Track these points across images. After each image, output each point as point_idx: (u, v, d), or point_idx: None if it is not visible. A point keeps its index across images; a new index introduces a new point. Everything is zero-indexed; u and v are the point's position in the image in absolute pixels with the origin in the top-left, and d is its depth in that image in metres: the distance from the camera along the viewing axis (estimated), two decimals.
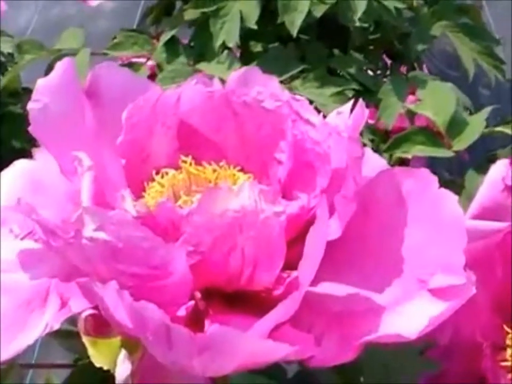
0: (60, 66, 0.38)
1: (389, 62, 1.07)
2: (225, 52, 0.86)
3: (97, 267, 0.30)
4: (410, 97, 0.94)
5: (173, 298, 0.30)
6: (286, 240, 0.32)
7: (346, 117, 0.36)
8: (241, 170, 0.37)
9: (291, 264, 0.32)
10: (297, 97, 0.37)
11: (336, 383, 0.40)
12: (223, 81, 0.40)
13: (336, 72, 0.90)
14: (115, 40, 0.93)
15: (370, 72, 0.99)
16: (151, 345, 0.29)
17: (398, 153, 0.69)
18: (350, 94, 0.87)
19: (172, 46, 0.90)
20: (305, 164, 0.36)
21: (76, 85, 0.38)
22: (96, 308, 0.32)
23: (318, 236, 0.30)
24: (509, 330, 0.44)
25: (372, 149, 0.63)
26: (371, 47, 1.00)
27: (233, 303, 0.33)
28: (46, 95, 0.37)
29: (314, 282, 0.33)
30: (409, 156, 0.77)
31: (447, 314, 0.30)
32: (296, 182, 0.37)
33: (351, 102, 0.37)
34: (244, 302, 0.33)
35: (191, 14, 0.90)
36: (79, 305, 0.31)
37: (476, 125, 0.69)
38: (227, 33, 0.84)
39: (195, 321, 0.31)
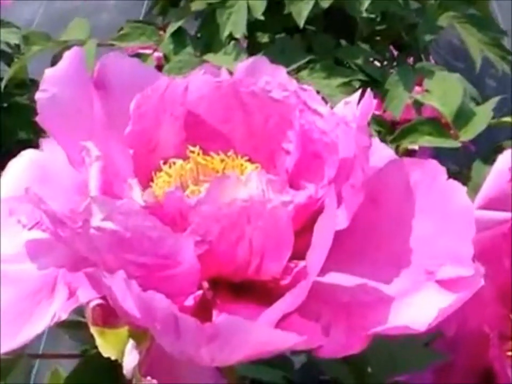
0: (67, 56, 0.38)
1: (396, 53, 1.07)
2: (232, 42, 0.86)
3: (105, 257, 0.30)
4: (417, 89, 0.93)
5: (181, 288, 0.30)
6: (294, 230, 0.32)
7: (354, 107, 0.36)
8: (249, 160, 0.37)
9: (299, 254, 0.32)
10: (305, 87, 0.36)
11: (343, 374, 0.40)
12: (230, 72, 0.40)
13: (343, 63, 0.90)
14: (122, 31, 0.93)
15: (377, 63, 0.99)
16: (159, 335, 0.29)
17: (405, 144, 0.69)
18: (357, 84, 0.86)
19: (179, 37, 0.90)
20: (313, 154, 0.36)
21: (83, 74, 0.38)
22: (104, 298, 0.32)
23: (326, 225, 0.30)
24: None
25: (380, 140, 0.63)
26: (378, 38, 1.00)
27: (240, 293, 0.33)
28: (54, 84, 0.37)
29: (322, 272, 0.32)
30: (416, 147, 0.77)
31: (455, 306, 0.30)
32: (303, 172, 0.37)
33: (359, 92, 0.37)
34: (251, 292, 0.33)
35: (198, 5, 0.89)
36: (87, 295, 0.31)
37: (483, 115, 0.69)
38: (234, 24, 0.84)
39: (203, 311, 0.31)
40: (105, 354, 0.32)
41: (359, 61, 0.88)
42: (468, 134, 0.69)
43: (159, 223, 0.29)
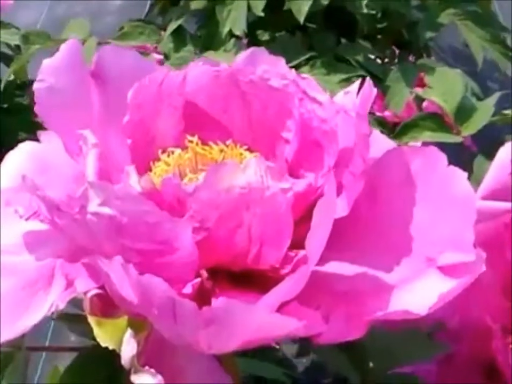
0: (65, 47, 0.38)
1: (397, 52, 1.07)
2: (232, 40, 0.86)
3: (102, 243, 0.29)
4: (418, 89, 0.93)
5: (179, 275, 0.30)
6: (294, 219, 0.31)
7: (354, 96, 0.36)
8: (248, 149, 0.37)
9: (299, 243, 0.31)
10: (304, 75, 0.36)
11: (343, 365, 0.39)
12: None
13: (344, 60, 0.90)
14: (122, 31, 0.93)
15: (378, 61, 0.99)
16: (157, 319, 0.28)
17: (406, 139, 0.69)
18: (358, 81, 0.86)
19: (179, 35, 0.89)
20: (313, 143, 0.36)
21: (81, 65, 0.38)
22: (102, 288, 0.31)
23: (325, 209, 0.29)
24: None
25: None
26: (379, 36, 1.00)
27: (240, 283, 0.33)
28: (51, 75, 0.37)
29: (322, 261, 0.32)
30: (418, 144, 0.76)
31: (457, 292, 0.30)
32: (303, 161, 0.36)
33: (358, 81, 0.36)
34: (251, 281, 0.33)
35: (197, 3, 0.89)
36: (85, 285, 0.31)
37: (485, 110, 0.68)
38: (233, 21, 0.84)
39: (202, 301, 0.31)
40: (103, 344, 0.32)
41: (360, 58, 0.87)
42: (469, 129, 0.69)
43: (156, 208, 0.28)
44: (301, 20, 0.82)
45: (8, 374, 0.39)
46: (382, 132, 0.92)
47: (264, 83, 0.36)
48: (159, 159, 0.36)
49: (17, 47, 1.00)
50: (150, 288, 0.27)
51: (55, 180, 0.36)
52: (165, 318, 0.27)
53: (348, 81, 0.81)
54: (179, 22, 0.89)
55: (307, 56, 0.85)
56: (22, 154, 0.39)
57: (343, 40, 0.94)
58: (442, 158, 0.33)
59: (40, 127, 0.38)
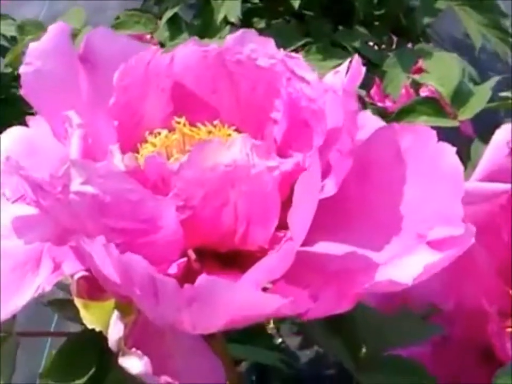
0: (52, 29, 0.38)
1: (395, 39, 1.06)
2: (227, 27, 0.85)
3: (85, 223, 0.29)
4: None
5: (164, 254, 0.29)
6: (282, 200, 0.31)
7: (343, 75, 0.35)
8: (237, 130, 0.36)
9: (288, 224, 0.31)
10: (292, 54, 0.36)
11: (336, 347, 0.39)
12: None
13: (340, 46, 0.89)
14: (118, 20, 0.93)
15: (376, 48, 0.98)
16: (139, 299, 0.28)
17: (403, 123, 0.68)
18: None
19: (174, 23, 0.89)
20: (301, 123, 0.35)
21: (69, 48, 0.38)
22: (88, 270, 0.31)
23: (307, 183, 0.29)
24: None
25: None
26: (376, 23, 0.99)
27: (228, 264, 0.33)
28: (38, 58, 0.37)
29: (312, 241, 0.32)
30: None
31: (444, 264, 0.30)
32: (292, 142, 0.36)
33: (347, 61, 0.36)
34: (240, 263, 0.32)
35: None
36: (72, 268, 0.31)
37: (482, 94, 0.68)
38: (228, 7, 0.83)
39: (190, 283, 0.31)
40: (89, 326, 0.32)
41: (357, 44, 0.87)
42: (466, 113, 0.68)
43: (139, 186, 0.28)
44: (296, 5, 0.81)
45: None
46: None
47: (251, 63, 0.36)
48: (146, 141, 0.36)
49: (13, 38, 1.00)
50: (130, 266, 0.26)
51: (43, 163, 0.36)
52: (147, 297, 0.27)
53: None
54: (174, 10, 0.89)
55: (302, 42, 0.84)
56: (11, 138, 0.39)
57: (341, 27, 0.93)
58: (433, 134, 0.33)
59: None
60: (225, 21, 0.85)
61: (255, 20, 0.92)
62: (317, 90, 0.34)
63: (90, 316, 0.32)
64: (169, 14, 0.89)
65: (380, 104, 1.00)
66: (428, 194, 0.31)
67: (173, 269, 0.29)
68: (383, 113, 0.94)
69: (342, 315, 0.30)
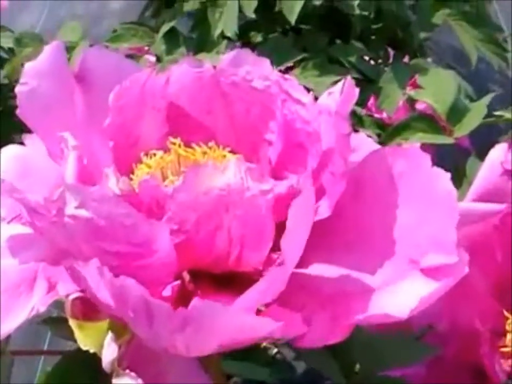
0: (48, 49, 0.38)
1: (391, 53, 1.06)
2: (224, 42, 0.85)
3: (80, 246, 0.29)
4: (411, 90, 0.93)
5: (158, 277, 0.29)
6: (276, 222, 0.31)
7: (337, 96, 0.35)
8: (231, 152, 0.37)
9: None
10: (287, 76, 0.36)
11: (330, 368, 0.39)
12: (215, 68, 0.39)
13: (337, 61, 0.89)
14: (115, 33, 0.93)
15: (372, 62, 0.98)
16: (133, 322, 0.28)
17: (399, 140, 0.68)
18: None
19: (172, 37, 0.89)
20: (296, 145, 0.35)
21: (64, 68, 0.38)
22: (83, 291, 0.31)
23: (300, 208, 0.29)
24: (508, 315, 0.44)
25: (379, 142, 0.63)
26: (373, 37, 0.99)
27: (223, 286, 0.33)
28: (34, 77, 0.37)
29: (306, 263, 0.32)
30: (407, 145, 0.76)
31: (439, 294, 0.30)
32: (287, 164, 0.36)
33: (341, 82, 0.36)
34: (235, 285, 0.32)
35: (190, 5, 0.89)
36: (67, 289, 0.31)
37: (478, 111, 0.68)
38: (225, 22, 0.83)
39: (184, 304, 0.31)
40: (83, 348, 0.32)
41: (353, 59, 0.87)
42: (462, 130, 0.68)
43: (133, 210, 0.28)
44: (292, 20, 0.82)
45: None
46: (379, 134, 0.93)
47: (246, 84, 0.36)
48: (141, 162, 0.36)
49: (10, 49, 1.00)
50: (124, 290, 0.26)
51: (38, 183, 0.36)
52: (141, 320, 0.27)
53: None
54: (171, 23, 0.89)
55: (299, 57, 0.85)
56: (6, 158, 0.39)
57: (337, 41, 0.94)
58: (426, 158, 0.33)
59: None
60: (222, 36, 0.85)
61: (252, 33, 0.93)
62: (311, 112, 0.35)
63: (84, 337, 0.32)
64: (166, 27, 0.89)
65: (376, 115, 1.00)
66: (422, 220, 0.31)
67: (167, 291, 0.29)
68: (380, 125, 0.94)
69: None
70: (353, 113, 0.78)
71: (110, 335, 0.31)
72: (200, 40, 0.87)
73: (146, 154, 0.36)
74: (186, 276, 0.32)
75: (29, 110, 0.36)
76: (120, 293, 0.27)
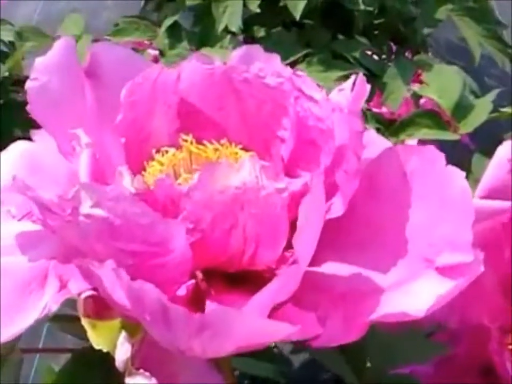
0: (58, 45, 0.38)
1: (394, 48, 1.06)
2: (228, 36, 0.85)
3: (95, 246, 0.29)
4: (415, 86, 0.92)
5: (173, 277, 0.29)
6: (290, 219, 0.31)
7: (348, 93, 0.35)
8: (243, 149, 0.36)
9: None
10: (299, 73, 0.36)
11: (340, 366, 0.39)
12: (224, 64, 0.39)
13: (341, 57, 0.89)
14: (117, 27, 0.92)
15: (375, 57, 0.98)
16: (150, 325, 0.28)
17: (403, 137, 0.68)
18: None
19: (174, 31, 0.89)
20: (309, 142, 0.35)
21: (75, 63, 0.38)
22: (96, 289, 0.31)
23: (311, 206, 0.29)
24: None
25: None
26: (376, 32, 0.99)
27: (236, 284, 0.32)
28: (44, 73, 0.36)
29: (319, 262, 0.32)
30: (414, 142, 0.76)
31: (454, 293, 0.30)
32: (300, 161, 0.36)
33: (352, 78, 0.36)
34: (248, 283, 0.32)
35: None
36: (79, 287, 0.31)
37: (483, 107, 0.68)
38: (229, 17, 0.83)
39: (197, 303, 0.30)
40: (96, 347, 0.31)
41: (357, 54, 0.87)
42: (467, 126, 0.68)
43: (149, 209, 0.28)
44: (297, 16, 0.82)
45: (2, 376, 0.39)
46: (378, 128, 0.92)
47: (259, 81, 0.36)
48: (153, 159, 0.36)
49: (11, 43, 1.00)
50: (141, 294, 0.26)
51: (48, 180, 0.36)
52: (157, 324, 0.27)
53: (345, 78, 0.80)
54: (174, 18, 0.88)
55: (303, 52, 0.84)
56: (15, 154, 0.38)
57: (341, 37, 0.93)
58: (440, 157, 0.33)
59: (36, 124, 0.38)
60: (226, 30, 0.85)
61: (255, 28, 0.92)
62: (325, 109, 0.34)
63: (97, 336, 0.31)
64: (168, 22, 0.88)
65: (375, 110, 1.00)
66: (437, 219, 0.31)
67: (182, 291, 0.29)
68: (379, 120, 0.94)
69: None
70: None
71: (123, 334, 0.31)
72: (203, 35, 0.87)
73: (158, 151, 0.36)
74: (199, 275, 0.32)
75: (39, 105, 0.36)
76: (137, 296, 0.27)
